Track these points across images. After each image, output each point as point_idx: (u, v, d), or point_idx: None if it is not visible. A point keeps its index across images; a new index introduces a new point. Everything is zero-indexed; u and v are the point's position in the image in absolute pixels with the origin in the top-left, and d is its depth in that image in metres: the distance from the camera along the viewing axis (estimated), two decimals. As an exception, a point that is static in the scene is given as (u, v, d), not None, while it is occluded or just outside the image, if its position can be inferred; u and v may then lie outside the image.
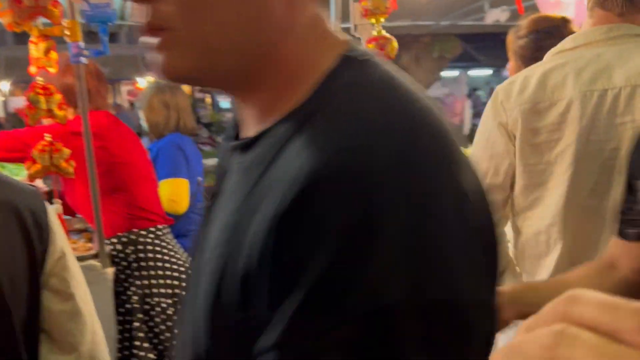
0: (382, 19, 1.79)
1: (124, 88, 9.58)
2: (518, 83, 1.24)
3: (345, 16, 1.91)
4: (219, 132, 6.93)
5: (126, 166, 1.73)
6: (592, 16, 1.25)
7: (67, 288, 0.85)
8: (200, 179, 2.37)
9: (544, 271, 1.23)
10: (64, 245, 0.88)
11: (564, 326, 0.20)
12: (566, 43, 1.26)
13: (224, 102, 8.68)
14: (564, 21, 1.56)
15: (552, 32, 1.52)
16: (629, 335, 0.15)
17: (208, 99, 9.15)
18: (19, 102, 5.40)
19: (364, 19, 1.79)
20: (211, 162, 5.43)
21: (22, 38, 1.59)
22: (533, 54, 1.48)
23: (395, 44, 1.85)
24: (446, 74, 9.25)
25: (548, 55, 1.30)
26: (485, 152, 1.29)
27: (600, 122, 1.16)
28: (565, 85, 1.19)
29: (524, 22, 1.62)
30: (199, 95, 9.62)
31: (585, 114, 1.16)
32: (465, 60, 8.86)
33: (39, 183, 1.81)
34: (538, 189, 1.22)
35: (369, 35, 1.83)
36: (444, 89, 8.23)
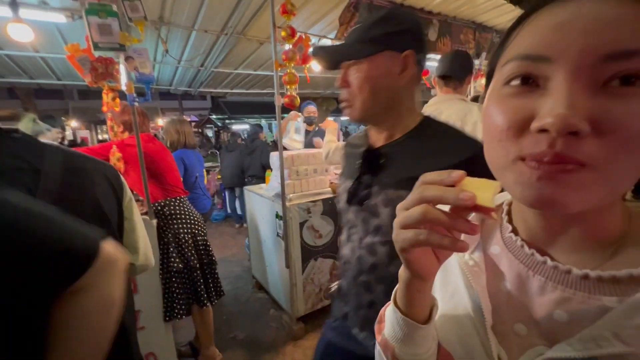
0: (294, 86, 2.01)
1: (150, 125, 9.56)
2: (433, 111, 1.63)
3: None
4: (209, 149, 7.34)
5: (159, 162, 1.89)
6: (441, 89, 1.70)
7: (131, 215, 0.91)
8: (197, 174, 2.60)
9: None
10: (130, 194, 0.95)
11: (421, 207, 0.27)
12: (435, 98, 1.71)
13: (210, 133, 9.04)
14: None
15: None
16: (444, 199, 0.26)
17: (201, 131, 9.39)
18: (84, 133, 5.35)
19: (285, 86, 2.03)
20: (206, 164, 5.67)
21: (84, 95, 1.73)
22: None
23: (298, 100, 2.07)
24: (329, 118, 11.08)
25: (430, 104, 1.70)
26: None
27: None
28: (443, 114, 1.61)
29: None
30: (195, 129, 9.91)
31: None
32: (338, 112, 9.97)
33: None
34: None
35: (287, 93, 2.06)
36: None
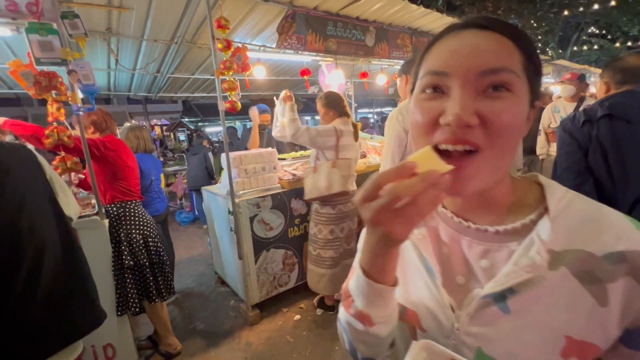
0: (233, 92, 2.17)
1: (117, 130, 9.55)
2: (398, 111, 1.79)
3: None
4: (176, 152, 7.39)
5: (129, 168, 2.06)
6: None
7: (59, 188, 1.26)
8: (153, 178, 2.75)
9: None
10: (50, 172, 1.25)
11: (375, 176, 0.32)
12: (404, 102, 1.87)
13: (182, 136, 9.12)
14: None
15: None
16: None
17: (172, 135, 9.40)
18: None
19: (227, 92, 2.18)
20: (172, 169, 5.73)
21: (44, 102, 1.84)
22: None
23: (239, 105, 2.21)
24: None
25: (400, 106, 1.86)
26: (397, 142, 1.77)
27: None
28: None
29: (321, 94, 2.37)
30: (166, 133, 9.85)
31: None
32: (306, 110, 10.96)
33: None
34: None
35: (229, 99, 2.23)
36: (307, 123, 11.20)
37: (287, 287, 2.84)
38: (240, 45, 2.21)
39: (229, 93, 2.13)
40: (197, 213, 5.37)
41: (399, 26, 3.43)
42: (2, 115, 1.87)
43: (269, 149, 2.77)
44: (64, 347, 1.10)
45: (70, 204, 1.27)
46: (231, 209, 2.48)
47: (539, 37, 11.15)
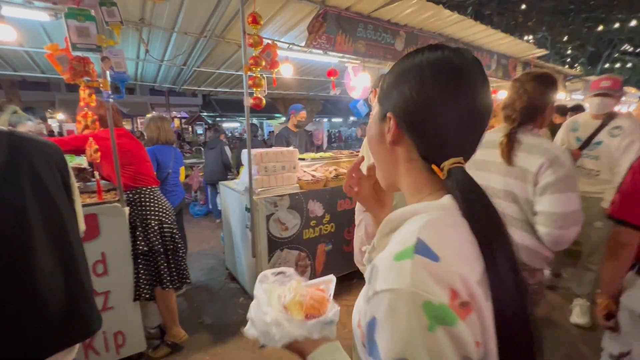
0: (259, 89, 2.19)
1: (139, 120, 9.79)
2: None
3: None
4: (193, 145, 7.53)
5: (131, 152, 2.04)
6: None
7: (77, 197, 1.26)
8: (170, 171, 2.77)
9: None
10: (74, 179, 1.26)
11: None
12: None
13: (200, 129, 9.36)
14: None
15: None
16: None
17: (190, 128, 9.63)
18: (71, 126, 5.45)
19: (252, 89, 2.20)
20: (189, 161, 5.81)
21: (71, 87, 1.87)
22: None
23: (264, 101, 2.23)
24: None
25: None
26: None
27: None
28: None
29: None
30: (185, 125, 10.11)
31: None
32: (323, 113, 12.07)
33: (86, 165, 2.13)
34: None
35: (253, 96, 2.25)
36: (314, 126, 12.38)
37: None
38: (270, 42, 2.19)
39: (254, 89, 2.11)
40: (210, 207, 5.41)
41: (429, 32, 3.36)
42: (30, 99, 1.90)
43: (290, 148, 2.74)
44: (61, 349, 1.06)
45: (79, 218, 1.26)
46: (248, 206, 2.47)
47: (568, 51, 10.81)
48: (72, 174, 1.23)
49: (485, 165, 1.29)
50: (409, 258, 0.37)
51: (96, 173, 1.96)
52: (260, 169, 2.56)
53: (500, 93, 4.69)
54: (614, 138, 2.11)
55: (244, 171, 2.68)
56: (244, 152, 2.54)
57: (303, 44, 2.58)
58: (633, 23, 8.52)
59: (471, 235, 0.41)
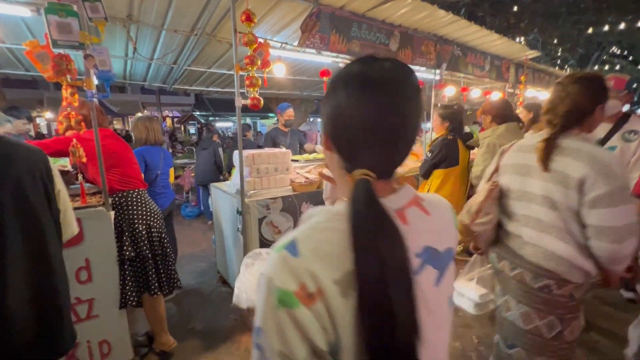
0: (255, 89, 2.11)
1: (130, 119, 9.64)
2: None
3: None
4: (185, 145, 7.39)
5: (118, 154, 1.95)
6: None
7: (64, 205, 1.20)
8: (159, 172, 2.68)
9: None
10: (61, 187, 1.19)
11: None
12: None
13: (192, 129, 9.22)
14: None
15: None
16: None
17: (182, 128, 9.45)
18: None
19: (249, 89, 2.13)
20: (180, 161, 5.70)
21: (60, 85, 1.78)
22: None
23: (262, 101, 2.16)
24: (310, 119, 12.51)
25: None
26: None
27: None
28: None
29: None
30: (177, 125, 9.96)
31: None
32: (317, 113, 11.17)
33: (69, 167, 2.04)
34: None
35: (251, 95, 2.17)
36: (308, 126, 11.72)
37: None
38: (262, 41, 2.13)
39: (250, 89, 2.04)
40: (202, 208, 5.32)
41: (424, 32, 3.33)
42: (16, 97, 1.81)
43: (283, 149, 2.69)
44: None
45: (69, 224, 1.20)
46: (240, 209, 2.40)
47: (558, 53, 10.93)
48: (57, 180, 1.16)
49: (526, 170, 1.22)
50: (279, 251, 0.44)
51: (80, 176, 1.86)
52: (253, 171, 2.50)
53: (494, 94, 4.69)
54: (630, 143, 1.86)
55: (235, 173, 2.61)
56: (236, 153, 2.47)
57: (296, 43, 2.51)
58: (622, 26, 8.66)
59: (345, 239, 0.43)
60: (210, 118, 16.95)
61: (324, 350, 0.42)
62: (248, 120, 18.72)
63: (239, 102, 2.13)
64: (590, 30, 8.91)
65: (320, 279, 0.42)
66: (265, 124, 15.19)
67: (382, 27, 2.95)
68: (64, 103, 1.73)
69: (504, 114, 2.46)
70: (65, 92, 1.73)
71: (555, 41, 9.60)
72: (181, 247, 3.80)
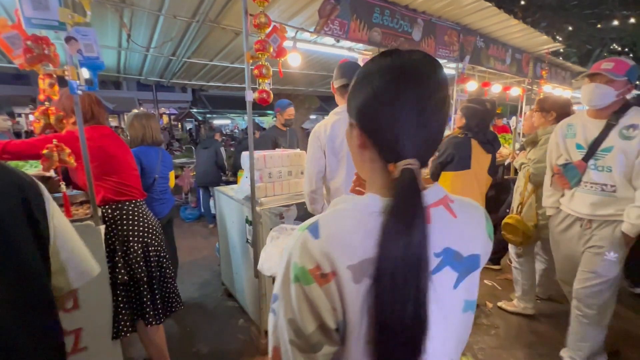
0: (266, 80, 1.83)
1: (126, 116, 9.37)
2: (323, 125, 1.66)
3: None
4: (183, 143, 7.04)
5: (116, 159, 1.68)
6: (344, 97, 1.68)
7: (62, 235, 0.84)
8: (157, 176, 2.38)
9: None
10: (57, 214, 0.83)
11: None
12: (337, 109, 1.71)
13: (189, 126, 8.85)
14: None
15: None
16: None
17: (180, 125, 9.10)
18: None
19: (258, 80, 1.83)
20: (179, 161, 5.38)
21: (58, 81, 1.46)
22: None
23: (272, 95, 1.87)
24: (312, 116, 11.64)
25: (330, 114, 1.72)
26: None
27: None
28: (341, 127, 1.61)
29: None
30: (174, 122, 9.65)
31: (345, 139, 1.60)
32: (321, 110, 11.15)
33: (51, 172, 1.73)
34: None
35: (259, 88, 1.87)
36: (311, 124, 11.78)
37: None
38: (277, 25, 1.82)
39: (260, 80, 1.73)
40: (202, 210, 5.01)
41: (447, 21, 3.03)
42: (4, 93, 1.49)
43: (297, 150, 2.39)
44: None
45: (77, 266, 0.86)
46: (250, 218, 2.10)
47: (561, 49, 10.67)
48: (51, 212, 0.80)
49: None
50: (302, 231, 0.48)
51: (62, 184, 1.55)
52: (264, 175, 2.20)
53: (512, 90, 4.41)
54: (629, 140, 1.57)
55: (243, 177, 2.31)
56: (244, 154, 2.17)
57: (312, 29, 2.20)
58: (632, 20, 8.38)
59: (365, 229, 0.45)
60: (208, 115, 16.57)
61: (332, 328, 0.44)
62: (246, 118, 18.38)
63: (250, 95, 1.83)
64: (599, 25, 8.63)
65: (336, 262, 0.44)
66: (265, 122, 14.75)
67: (406, 13, 2.64)
68: (41, 96, 1.42)
69: (567, 112, 2.24)
70: (43, 83, 1.42)
71: (566, 35, 9.29)
72: (181, 254, 3.49)
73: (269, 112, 15.56)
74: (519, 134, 3.88)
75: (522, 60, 4.25)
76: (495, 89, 4.09)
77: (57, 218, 0.82)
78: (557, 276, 2.09)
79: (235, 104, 15.55)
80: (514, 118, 4.09)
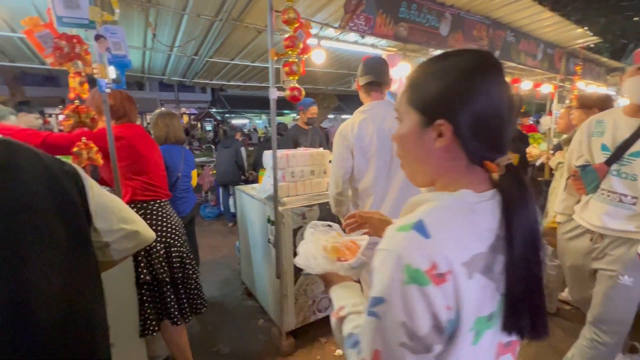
0: (296, 77, 1.81)
1: (148, 116, 9.56)
2: (350, 125, 1.57)
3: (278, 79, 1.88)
4: (203, 142, 7.16)
5: (147, 158, 1.68)
6: (370, 95, 1.64)
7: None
8: (180, 174, 2.40)
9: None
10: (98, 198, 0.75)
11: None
12: (363, 107, 1.63)
13: (208, 126, 9.03)
14: None
15: None
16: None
17: (199, 125, 9.33)
18: None
19: (288, 77, 1.82)
20: (199, 159, 5.45)
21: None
22: None
23: (304, 92, 1.86)
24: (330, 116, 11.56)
25: (356, 112, 1.62)
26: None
27: (384, 143, 1.53)
28: (369, 126, 1.54)
29: None
30: (193, 122, 9.89)
31: (379, 138, 1.54)
32: (339, 109, 11.28)
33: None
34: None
35: (290, 85, 1.86)
36: (330, 123, 11.47)
37: (326, 313, 2.41)
38: (303, 20, 1.77)
39: (290, 77, 1.69)
40: (222, 209, 5.06)
41: (476, 15, 2.90)
42: (36, 95, 1.51)
43: (320, 149, 2.34)
44: None
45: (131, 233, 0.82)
46: (272, 218, 2.07)
47: (592, 44, 10.09)
48: (92, 190, 0.74)
49: None
50: (406, 231, 0.46)
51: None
52: (286, 174, 2.16)
53: (543, 87, 4.19)
54: None
55: (265, 176, 2.28)
56: (267, 153, 2.14)
57: (337, 25, 2.14)
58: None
59: (472, 225, 0.48)
60: (226, 115, 16.80)
61: (445, 326, 0.44)
62: (263, 118, 18.50)
63: (274, 93, 1.79)
64: (636, 18, 8.09)
65: (451, 260, 0.44)
66: (285, 122, 14.76)
67: (433, 7, 2.54)
68: (71, 95, 1.43)
69: (609, 108, 2.10)
70: (73, 82, 1.42)
71: (598, 29, 8.78)
72: (201, 252, 3.51)
73: (285, 111, 15.59)
74: (553, 132, 3.67)
75: (554, 55, 4.03)
76: (525, 86, 3.89)
77: (97, 196, 0.75)
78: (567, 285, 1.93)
79: (254, 103, 15.68)
80: (547, 117, 3.88)
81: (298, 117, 3.37)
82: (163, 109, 2.67)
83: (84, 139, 1.45)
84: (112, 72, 1.53)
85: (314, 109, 3.19)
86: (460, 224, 0.47)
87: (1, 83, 7.04)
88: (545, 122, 3.90)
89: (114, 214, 0.78)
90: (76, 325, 0.66)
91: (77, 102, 1.46)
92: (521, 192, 0.49)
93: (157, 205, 1.71)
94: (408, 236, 0.45)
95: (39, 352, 0.59)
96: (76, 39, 1.38)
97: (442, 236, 0.45)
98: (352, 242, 0.76)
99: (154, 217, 1.68)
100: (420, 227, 0.45)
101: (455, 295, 0.44)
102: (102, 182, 1.83)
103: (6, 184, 0.57)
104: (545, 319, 0.50)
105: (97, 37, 1.40)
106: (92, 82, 1.48)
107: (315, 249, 0.72)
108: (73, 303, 0.66)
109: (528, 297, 0.48)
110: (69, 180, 0.69)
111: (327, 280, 0.72)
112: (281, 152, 2.14)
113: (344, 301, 0.65)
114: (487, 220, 0.48)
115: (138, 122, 2.05)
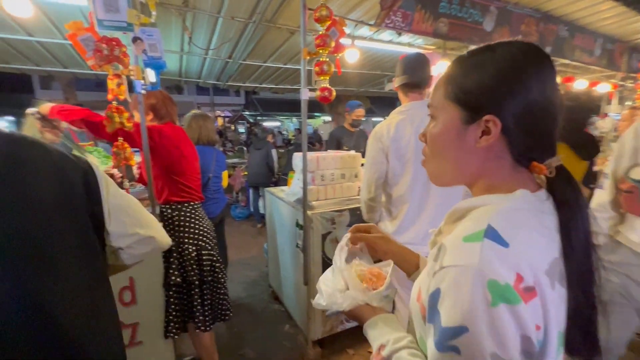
0: (327, 77, 1.76)
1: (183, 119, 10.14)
2: (385, 126, 1.45)
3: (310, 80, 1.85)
4: (235, 144, 7.32)
5: (186, 160, 1.70)
6: (407, 96, 1.51)
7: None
8: (211, 175, 2.42)
9: None
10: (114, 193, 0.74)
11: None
12: (401, 108, 1.50)
13: (241, 128, 9.27)
14: None
15: None
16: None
17: (232, 127, 9.60)
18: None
19: (319, 77, 1.77)
20: (231, 161, 5.57)
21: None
22: None
23: (334, 92, 1.81)
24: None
25: (393, 113, 1.50)
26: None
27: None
28: (406, 127, 1.40)
29: None
30: (227, 124, 10.20)
31: (417, 141, 1.33)
32: (370, 112, 10.64)
33: (115, 171, 1.82)
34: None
35: (321, 86, 1.81)
36: (362, 126, 10.50)
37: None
38: (337, 18, 1.70)
39: (321, 77, 1.62)
40: (252, 210, 5.11)
41: (525, 7, 2.67)
42: (87, 99, 1.57)
43: (352, 152, 2.25)
44: None
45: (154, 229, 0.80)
46: (300, 222, 2.01)
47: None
48: (108, 188, 0.72)
49: None
50: (479, 241, 0.39)
51: (125, 181, 1.59)
52: (316, 177, 2.09)
53: (600, 86, 3.79)
54: None
55: (294, 179, 2.23)
56: (296, 156, 2.09)
57: (372, 22, 2.05)
58: None
59: (544, 227, 0.43)
60: (258, 117, 17.22)
61: (535, 350, 0.38)
62: (294, 120, 18.73)
63: (306, 94, 1.73)
64: None
65: (536, 270, 0.39)
66: (313, 125, 14.80)
67: (477, 1, 2.36)
68: (109, 96, 1.46)
69: None
70: (112, 83, 1.46)
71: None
72: (230, 252, 3.54)
73: (316, 114, 15.63)
74: (612, 137, 3.30)
75: (614, 51, 3.62)
76: (580, 85, 3.53)
77: (114, 194, 0.74)
78: None
79: (285, 106, 15.93)
80: (606, 119, 3.49)
81: (329, 119, 3.38)
82: (197, 110, 2.72)
83: (120, 139, 1.49)
84: (151, 76, 1.56)
85: (360, 111, 3.21)
86: (534, 226, 0.43)
87: (57, 88, 7.70)
88: (604, 124, 3.51)
89: (130, 217, 0.75)
90: (93, 322, 0.66)
91: (114, 103, 1.49)
92: (575, 196, 0.45)
93: (190, 207, 1.71)
94: (484, 246, 0.38)
95: (55, 349, 0.58)
96: (115, 42, 1.42)
97: (521, 242, 0.40)
98: (378, 269, 0.67)
99: (187, 219, 1.68)
100: (494, 235, 0.39)
101: (543, 310, 0.39)
102: (140, 179, 1.88)
103: (9, 179, 0.56)
104: (597, 335, 0.45)
105: (135, 40, 1.42)
106: (131, 84, 1.52)
107: (346, 277, 0.62)
108: (88, 302, 0.66)
109: (587, 310, 0.44)
110: (78, 176, 0.67)
111: (358, 315, 0.60)
112: (311, 154, 2.08)
113: (387, 337, 0.54)
114: (555, 221, 0.44)
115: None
